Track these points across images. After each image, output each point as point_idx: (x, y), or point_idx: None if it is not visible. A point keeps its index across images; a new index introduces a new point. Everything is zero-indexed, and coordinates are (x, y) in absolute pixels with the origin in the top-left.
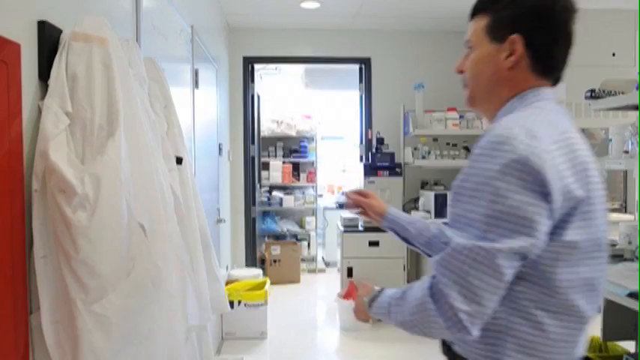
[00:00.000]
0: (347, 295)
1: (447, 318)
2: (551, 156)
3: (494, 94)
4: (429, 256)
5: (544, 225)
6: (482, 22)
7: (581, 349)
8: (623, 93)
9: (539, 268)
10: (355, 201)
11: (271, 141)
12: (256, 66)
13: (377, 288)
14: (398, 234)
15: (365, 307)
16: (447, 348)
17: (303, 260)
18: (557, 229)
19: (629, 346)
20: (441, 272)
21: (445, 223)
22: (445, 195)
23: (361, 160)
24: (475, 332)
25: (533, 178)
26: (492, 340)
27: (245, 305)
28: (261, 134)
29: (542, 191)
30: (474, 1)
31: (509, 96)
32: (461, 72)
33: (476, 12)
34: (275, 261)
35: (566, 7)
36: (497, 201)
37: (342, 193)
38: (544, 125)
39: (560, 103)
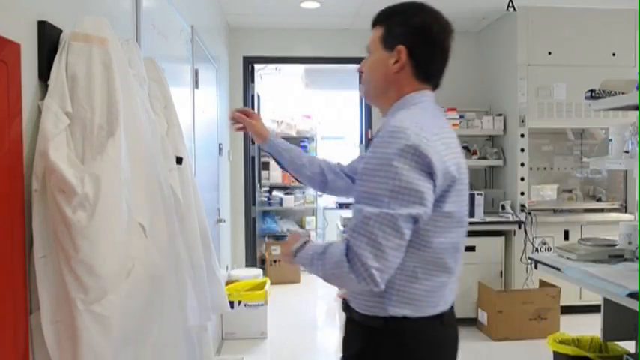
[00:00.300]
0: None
1: (359, 274)
2: (434, 144)
3: (384, 92)
4: (297, 180)
5: (431, 197)
6: (378, 32)
7: (451, 298)
8: (623, 93)
9: (421, 234)
10: (238, 118)
11: None
12: (256, 66)
13: (303, 239)
14: (275, 158)
15: (291, 255)
16: (345, 305)
17: None
18: (438, 202)
19: (629, 346)
20: (355, 237)
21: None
22: None
23: None
24: (382, 285)
25: (422, 161)
26: (382, 293)
27: (245, 305)
28: None
29: (429, 172)
30: (377, 14)
31: (397, 95)
32: (361, 72)
33: (375, 23)
34: (275, 261)
35: (444, 29)
36: (396, 178)
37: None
38: (428, 121)
39: (560, 103)
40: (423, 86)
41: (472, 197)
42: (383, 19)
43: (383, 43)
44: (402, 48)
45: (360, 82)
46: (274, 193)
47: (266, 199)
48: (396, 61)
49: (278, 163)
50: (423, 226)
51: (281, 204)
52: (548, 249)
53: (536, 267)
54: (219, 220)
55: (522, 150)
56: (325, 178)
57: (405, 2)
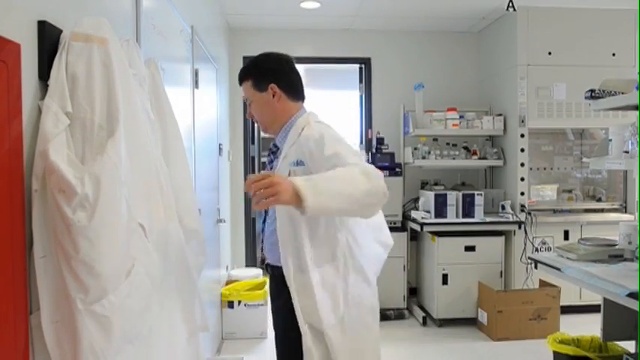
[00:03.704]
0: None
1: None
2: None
3: (277, 120)
4: None
5: None
6: (248, 84)
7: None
8: (623, 93)
9: None
10: (257, 193)
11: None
12: None
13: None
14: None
15: (294, 191)
16: (265, 265)
17: None
18: None
19: (629, 346)
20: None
21: None
22: (445, 195)
23: None
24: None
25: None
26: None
27: (245, 305)
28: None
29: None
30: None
31: (287, 116)
32: (252, 117)
33: (241, 80)
34: None
35: (288, 61)
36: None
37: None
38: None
39: (560, 103)
40: (297, 103)
41: (472, 197)
42: (246, 74)
43: (257, 89)
44: (273, 85)
45: (257, 123)
46: None
47: None
48: (274, 95)
49: None
50: None
51: None
52: (548, 249)
53: (536, 267)
54: (219, 220)
55: (522, 150)
56: None
57: (255, 57)
